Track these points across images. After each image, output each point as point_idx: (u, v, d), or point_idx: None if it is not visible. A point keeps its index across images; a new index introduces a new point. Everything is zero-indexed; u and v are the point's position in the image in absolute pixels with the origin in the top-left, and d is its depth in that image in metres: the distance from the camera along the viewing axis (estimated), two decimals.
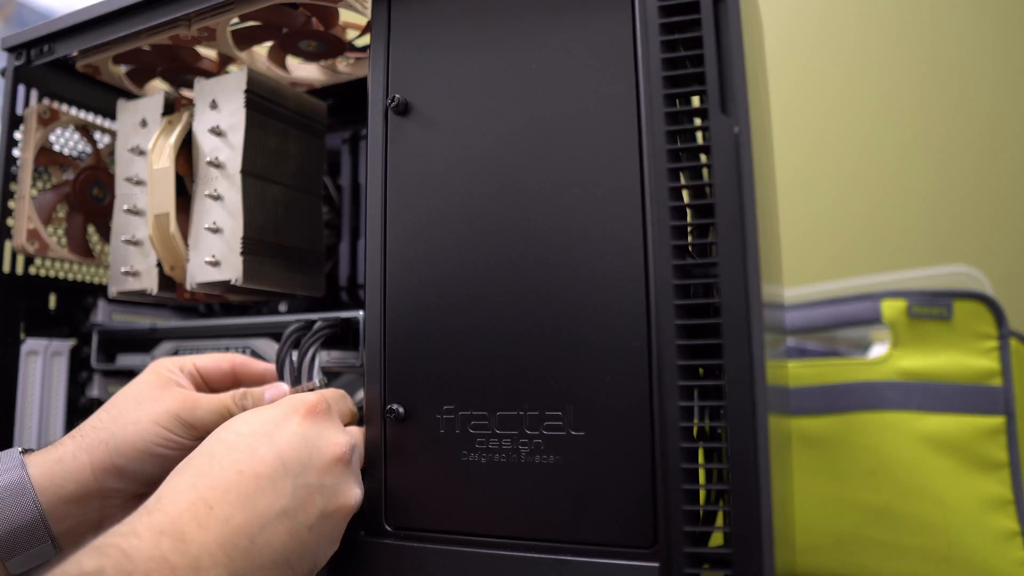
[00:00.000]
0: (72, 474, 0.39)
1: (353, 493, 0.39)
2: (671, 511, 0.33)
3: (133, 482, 0.41)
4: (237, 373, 0.47)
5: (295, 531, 0.35)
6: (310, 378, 0.45)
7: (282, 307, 0.64)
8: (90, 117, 0.65)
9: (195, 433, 0.41)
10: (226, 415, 0.42)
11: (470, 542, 0.39)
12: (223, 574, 0.31)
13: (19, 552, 0.38)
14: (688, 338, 0.34)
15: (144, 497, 0.41)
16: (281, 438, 0.36)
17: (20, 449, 0.41)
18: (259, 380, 0.47)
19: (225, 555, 0.32)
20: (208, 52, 0.59)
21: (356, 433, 0.41)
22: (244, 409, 0.42)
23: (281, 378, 0.45)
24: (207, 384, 0.46)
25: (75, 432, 0.42)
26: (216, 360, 0.47)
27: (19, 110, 0.59)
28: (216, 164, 0.50)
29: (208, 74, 0.59)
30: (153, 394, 0.42)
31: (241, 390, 0.44)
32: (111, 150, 0.66)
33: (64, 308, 0.63)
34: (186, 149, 0.52)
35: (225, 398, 0.43)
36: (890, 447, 0.61)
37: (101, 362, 0.59)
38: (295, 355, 0.46)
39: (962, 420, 0.60)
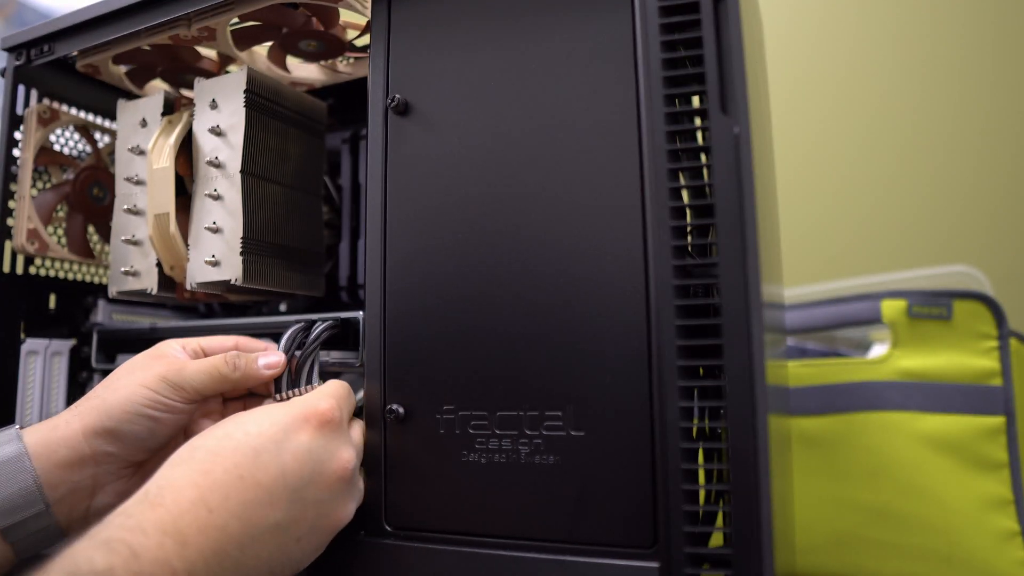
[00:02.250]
0: (65, 439, 0.39)
1: (347, 510, 0.39)
2: (671, 511, 0.33)
3: (124, 446, 0.41)
4: (240, 350, 0.46)
5: (284, 543, 0.35)
6: (309, 381, 0.45)
7: (282, 307, 0.64)
8: (90, 117, 0.65)
9: (184, 395, 0.41)
10: (216, 375, 0.42)
11: (470, 542, 0.39)
12: None
13: (16, 516, 0.38)
14: (688, 338, 0.34)
15: (137, 465, 0.42)
16: (287, 449, 0.36)
17: (18, 426, 0.41)
18: None
19: (218, 562, 0.32)
20: (208, 52, 0.59)
21: (359, 439, 0.41)
22: (236, 368, 0.42)
23: (279, 383, 0.44)
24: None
25: (76, 403, 0.42)
26: (220, 340, 0.46)
27: (19, 110, 0.59)
28: (216, 164, 0.50)
29: (208, 74, 0.59)
30: (145, 363, 0.43)
31: (234, 352, 0.43)
32: (111, 150, 0.66)
33: (64, 308, 0.63)
34: (186, 149, 0.52)
35: (216, 359, 0.42)
36: (890, 447, 0.61)
37: (101, 362, 0.59)
38: (297, 355, 0.45)
39: (962, 420, 0.60)
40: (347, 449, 0.39)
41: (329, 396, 0.40)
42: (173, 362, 0.42)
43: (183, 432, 0.44)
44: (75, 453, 0.40)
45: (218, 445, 0.35)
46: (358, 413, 0.44)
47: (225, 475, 0.34)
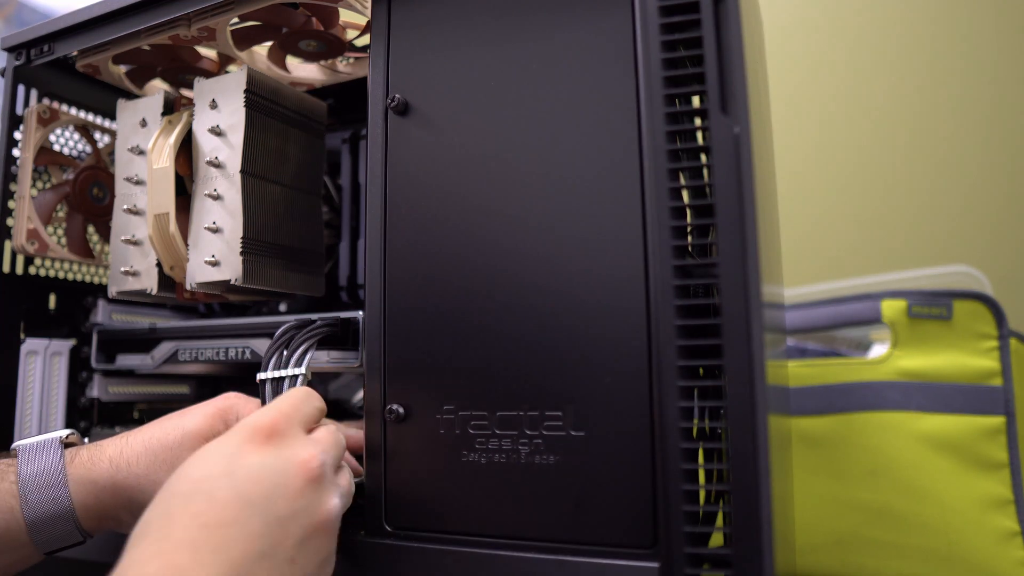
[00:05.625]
0: (99, 499, 0.41)
1: (329, 505, 0.36)
2: (671, 511, 0.33)
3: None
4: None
5: (278, 568, 0.33)
6: (299, 364, 0.44)
7: (282, 307, 0.64)
8: (90, 117, 0.65)
9: None
10: None
11: (470, 542, 0.39)
12: None
13: (54, 542, 0.41)
14: (688, 338, 0.34)
15: None
16: (240, 475, 0.33)
17: (63, 437, 0.42)
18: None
19: None
20: (208, 52, 0.59)
21: (326, 437, 0.38)
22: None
23: (266, 363, 0.44)
24: None
25: (116, 454, 0.42)
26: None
27: (19, 110, 0.59)
28: (216, 164, 0.50)
29: (208, 74, 0.59)
30: (184, 458, 0.42)
31: None
32: (111, 150, 0.66)
33: (64, 308, 0.63)
34: (186, 149, 0.52)
35: None
36: (890, 447, 0.61)
37: (101, 362, 0.59)
38: (286, 352, 0.45)
39: (962, 420, 0.60)
40: (305, 449, 0.36)
41: (270, 408, 0.38)
42: None
43: None
44: (102, 507, 0.41)
45: (168, 506, 0.33)
46: (347, 412, 0.44)
47: (186, 530, 0.31)
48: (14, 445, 0.43)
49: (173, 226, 0.51)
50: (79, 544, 0.41)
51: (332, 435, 0.39)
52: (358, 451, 0.44)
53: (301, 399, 0.39)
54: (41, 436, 0.43)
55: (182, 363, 0.55)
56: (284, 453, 0.35)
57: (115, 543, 0.49)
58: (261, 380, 0.44)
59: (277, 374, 0.44)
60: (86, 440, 0.45)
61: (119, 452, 0.42)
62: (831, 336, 0.77)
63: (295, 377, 0.44)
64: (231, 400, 0.45)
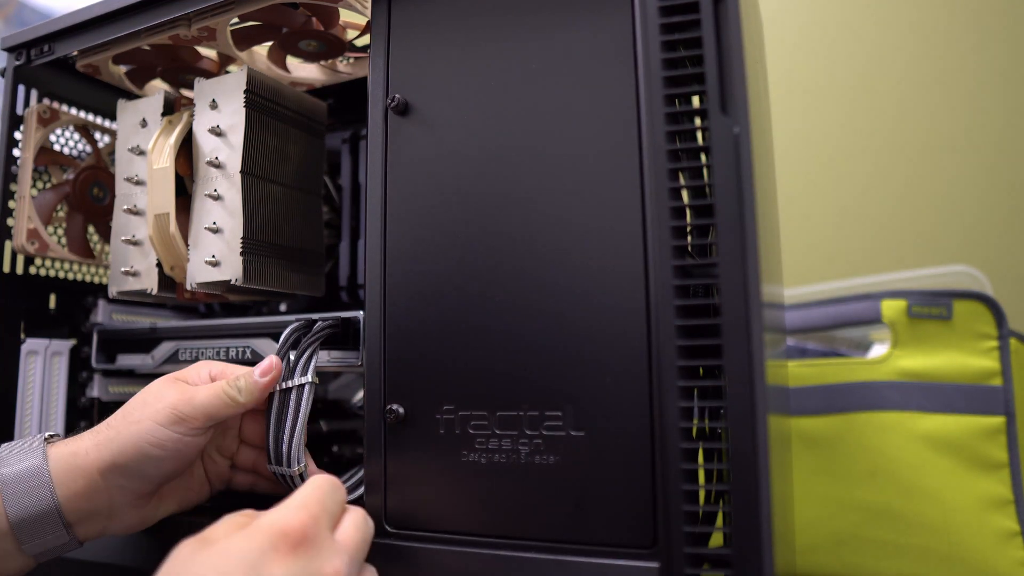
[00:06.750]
0: (83, 470, 0.41)
1: None
2: (671, 511, 0.33)
3: (136, 481, 0.42)
4: None
5: None
6: (304, 373, 0.44)
7: (282, 307, 0.64)
8: (90, 117, 0.65)
9: (193, 426, 0.41)
10: (223, 399, 0.42)
11: (470, 542, 0.39)
12: None
13: (37, 538, 0.40)
14: (688, 338, 0.34)
15: (151, 494, 0.43)
16: None
17: (46, 436, 0.43)
18: None
19: None
20: (208, 52, 0.59)
21: (353, 536, 0.36)
22: (239, 391, 0.42)
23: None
24: None
25: (98, 426, 0.43)
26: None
27: (19, 110, 0.59)
28: (216, 164, 0.50)
29: (208, 74, 0.59)
30: (160, 390, 0.43)
31: (234, 375, 0.43)
32: (111, 150, 0.66)
33: (64, 308, 0.63)
34: (186, 149, 0.52)
35: (220, 383, 0.43)
36: (890, 447, 0.61)
37: (101, 362, 0.59)
38: (293, 355, 0.45)
39: (962, 420, 0.60)
40: (331, 563, 0.33)
41: (299, 509, 0.34)
42: (185, 389, 0.42)
43: (200, 459, 0.45)
44: (91, 485, 0.41)
45: None
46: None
47: None
48: None
49: (173, 226, 0.51)
50: (64, 545, 0.41)
51: (360, 532, 0.36)
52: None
53: (327, 493, 0.36)
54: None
55: (182, 363, 0.55)
56: (310, 567, 0.32)
57: (114, 543, 0.49)
58: (269, 392, 0.44)
59: (285, 385, 0.44)
60: None
61: (100, 425, 0.43)
62: (831, 336, 0.77)
63: (302, 387, 0.44)
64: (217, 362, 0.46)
